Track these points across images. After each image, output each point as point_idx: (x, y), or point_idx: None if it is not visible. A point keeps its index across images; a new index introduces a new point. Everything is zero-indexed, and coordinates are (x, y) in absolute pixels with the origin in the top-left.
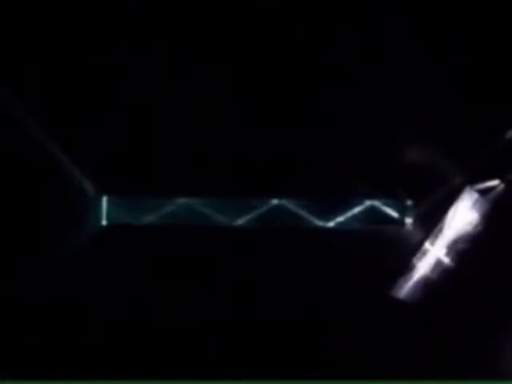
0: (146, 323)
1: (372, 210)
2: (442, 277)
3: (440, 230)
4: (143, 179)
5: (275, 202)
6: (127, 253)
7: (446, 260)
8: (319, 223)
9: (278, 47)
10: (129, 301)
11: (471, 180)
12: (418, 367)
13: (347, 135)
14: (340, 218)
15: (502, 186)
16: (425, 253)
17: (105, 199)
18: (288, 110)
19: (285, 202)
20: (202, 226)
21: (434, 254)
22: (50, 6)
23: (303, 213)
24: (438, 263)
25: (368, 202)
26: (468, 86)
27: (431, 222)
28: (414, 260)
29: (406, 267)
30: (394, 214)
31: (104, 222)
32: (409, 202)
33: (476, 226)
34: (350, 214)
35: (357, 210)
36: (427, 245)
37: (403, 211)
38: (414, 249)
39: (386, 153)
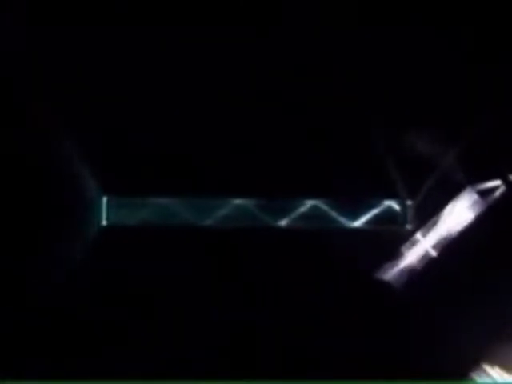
0: (146, 323)
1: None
2: (441, 276)
3: (434, 224)
4: (143, 179)
5: (310, 203)
6: (127, 253)
7: (436, 254)
8: (346, 223)
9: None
10: (129, 301)
11: (472, 180)
12: (418, 367)
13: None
14: (363, 219)
15: (503, 187)
16: (424, 249)
17: (105, 199)
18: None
19: (319, 203)
20: (201, 226)
21: (425, 247)
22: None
23: (333, 214)
24: (433, 259)
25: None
26: (468, 86)
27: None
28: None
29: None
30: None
31: (104, 223)
32: (409, 202)
33: (471, 226)
34: (370, 214)
35: (377, 210)
36: (419, 236)
37: (406, 211)
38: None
39: (389, 154)
